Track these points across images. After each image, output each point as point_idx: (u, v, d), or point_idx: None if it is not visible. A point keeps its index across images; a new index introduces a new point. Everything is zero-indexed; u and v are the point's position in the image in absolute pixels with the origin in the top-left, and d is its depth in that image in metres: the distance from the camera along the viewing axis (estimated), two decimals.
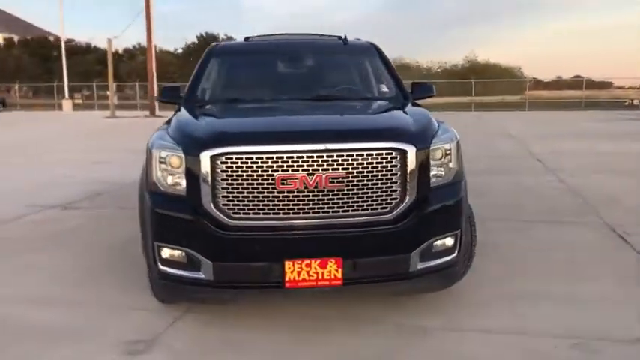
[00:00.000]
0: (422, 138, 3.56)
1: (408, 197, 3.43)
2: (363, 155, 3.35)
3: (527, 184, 8.75)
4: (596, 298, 4.12)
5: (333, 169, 3.32)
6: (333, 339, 3.53)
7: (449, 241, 3.65)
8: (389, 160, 3.39)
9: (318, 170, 3.31)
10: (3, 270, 4.92)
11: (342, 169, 3.33)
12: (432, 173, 3.56)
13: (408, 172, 3.42)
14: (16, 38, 69.54)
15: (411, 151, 3.43)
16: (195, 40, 61.83)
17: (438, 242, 3.60)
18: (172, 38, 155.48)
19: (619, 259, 4.99)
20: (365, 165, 3.35)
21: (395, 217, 3.42)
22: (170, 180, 3.50)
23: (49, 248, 5.48)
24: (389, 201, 3.42)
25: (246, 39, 5.45)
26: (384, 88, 4.98)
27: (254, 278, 3.40)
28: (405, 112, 4.10)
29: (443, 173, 3.63)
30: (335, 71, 5.38)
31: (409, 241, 3.47)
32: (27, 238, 5.89)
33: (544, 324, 3.69)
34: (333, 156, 3.32)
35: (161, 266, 3.55)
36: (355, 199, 3.37)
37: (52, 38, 65.13)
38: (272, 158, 3.30)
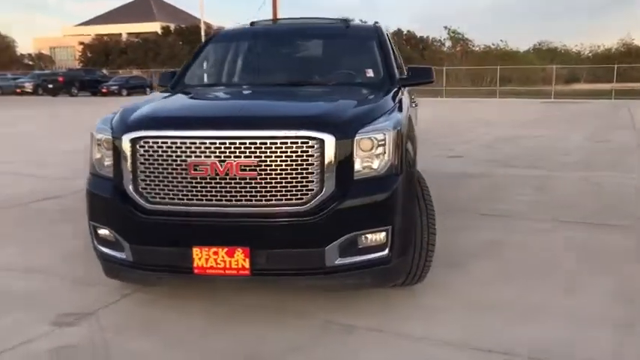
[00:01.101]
0: (345, 127, 3.35)
1: (325, 189, 3.26)
2: (276, 143, 3.23)
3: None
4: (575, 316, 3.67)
5: (245, 157, 3.23)
6: (254, 330, 3.46)
7: (378, 238, 3.42)
8: (304, 149, 3.23)
9: (230, 157, 3.24)
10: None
11: (255, 157, 3.23)
12: (356, 165, 3.35)
13: (326, 162, 3.24)
14: (172, 27, 74.74)
15: (330, 141, 3.24)
16: None
17: (365, 238, 3.39)
18: None
19: None
20: (278, 154, 3.23)
21: (310, 210, 3.26)
22: (103, 162, 3.61)
23: None
24: (304, 192, 3.26)
25: (252, 23, 5.43)
26: (370, 74, 4.73)
27: (167, 262, 3.43)
28: (366, 100, 3.89)
29: (373, 165, 3.39)
30: (325, 56, 5.22)
31: (324, 235, 3.29)
32: None
33: (484, 339, 3.35)
34: (245, 143, 3.24)
35: (97, 245, 3.69)
36: (268, 189, 3.26)
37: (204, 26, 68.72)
38: (185, 143, 3.29)
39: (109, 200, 3.52)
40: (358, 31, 5.18)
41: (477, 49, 52.29)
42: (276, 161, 3.23)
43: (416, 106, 7.00)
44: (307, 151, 3.23)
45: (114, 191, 3.50)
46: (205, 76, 5.01)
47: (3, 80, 42.86)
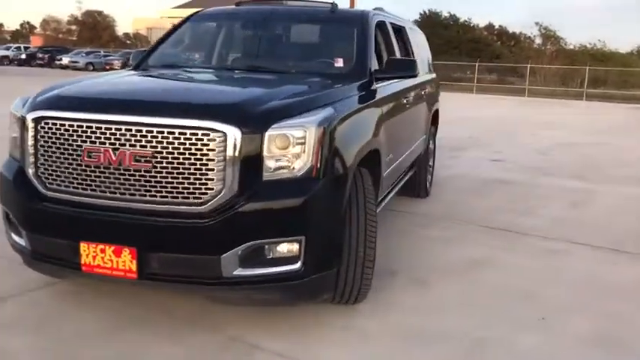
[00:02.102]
0: (255, 120, 2.92)
1: (225, 189, 2.85)
2: (173, 133, 2.85)
3: None
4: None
5: (140, 146, 2.88)
6: (143, 340, 3.12)
7: (289, 249, 2.98)
8: (205, 142, 2.84)
9: (125, 145, 2.90)
10: None
11: (150, 147, 2.88)
12: (267, 164, 2.92)
13: (229, 159, 2.84)
14: None
15: (234, 135, 2.83)
16: (418, 18, 61.14)
17: (272, 248, 2.96)
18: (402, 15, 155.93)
19: None
20: (175, 145, 2.85)
21: (207, 211, 2.87)
22: (15, 142, 3.36)
23: None
24: (203, 190, 2.87)
25: (237, 4, 5.05)
26: (340, 64, 4.23)
27: (59, 255, 3.14)
28: (307, 91, 3.44)
29: (288, 165, 2.95)
30: (299, 43, 4.77)
31: (221, 241, 2.89)
32: None
33: None
34: (141, 131, 2.89)
35: (7, 230, 3.46)
36: (163, 184, 2.89)
37: None
38: (82, 127, 2.98)
39: (10, 183, 3.28)
40: (342, 17, 4.68)
41: (572, 47, 49.47)
42: (173, 154, 2.86)
43: (431, 102, 6.41)
44: (208, 145, 2.84)
45: (16, 174, 3.25)
46: (174, 56, 4.67)
47: (95, 57, 44.78)
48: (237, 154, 2.84)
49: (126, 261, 2.93)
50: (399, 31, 5.67)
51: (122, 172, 2.92)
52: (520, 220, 5.82)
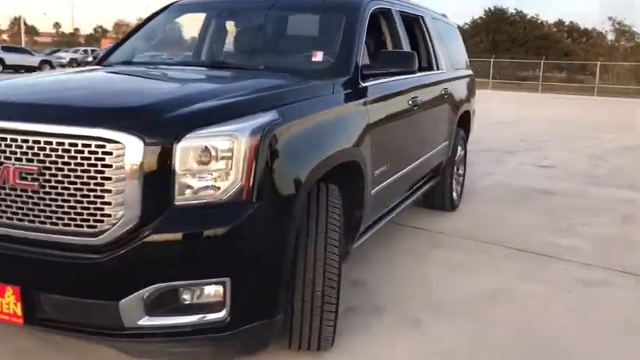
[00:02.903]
0: (163, 127, 2.29)
1: (126, 216, 2.24)
2: (63, 144, 2.27)
3: None
4: None
5: (27, 160, 2.31)
6: None
7: (210, 292, 2.34)
8: (99, 155, 2.24)
9: (11, 159, 2.34)
10: None
11: (38, 161, 2.30)
12: (181, 184, 2.28)
13: (129, 177, 2.22)
14: None
15: (134, 146, 2.22)
16: (483, 15, 59.09)
17: (188, 291, 2.33)
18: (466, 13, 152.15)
19: None
20: (66, 159, 2.27)
21: (103, 244, 2.26)
22: None
23: None
24: (98, 217, 2.27)
25: None
26: (318, 58, 3.54)
27: None
28: (255, 91, 2.79)
29: (210, 185, 2.31)
30: (278, 34, 4.10)
31: (120, 283, 2.28)
32: None
33: None
34: (27, 141, 2.32)
35: None
36: (53, 208, 2.31)
37: None
38: None
39: None
40: (329, 5, 3.99)
41: None
42: (63, 170, 2.27)
43: (458, 102, 5.62)
44: (103, 159, 2.23)
45: None
46: (137, 52, 4.09)
47: None
48: (140, 171, 2.22)
49: (10, 302, 2.37)
50: (415, 21, 4.94)
51: (8, 191, 2.35)
52: (557, 240, 4.97)
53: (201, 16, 4.27)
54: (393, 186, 3.88)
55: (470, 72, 6.60)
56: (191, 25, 4.23)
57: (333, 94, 3.08)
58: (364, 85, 3.41)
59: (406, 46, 4.28)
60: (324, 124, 2.88)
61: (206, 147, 2.29)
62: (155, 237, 2.24)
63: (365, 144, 3.25)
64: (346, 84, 3.27)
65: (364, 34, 3.60)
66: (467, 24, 61.47)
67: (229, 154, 2.30)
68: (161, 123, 2.30)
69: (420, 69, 5.01)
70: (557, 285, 3.96)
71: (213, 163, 2.30)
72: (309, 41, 3.88)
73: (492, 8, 57.34)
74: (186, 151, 2.27)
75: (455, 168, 5.81)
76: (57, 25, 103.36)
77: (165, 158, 2.25)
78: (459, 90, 5.80)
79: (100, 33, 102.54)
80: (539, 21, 55.96)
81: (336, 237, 2.74)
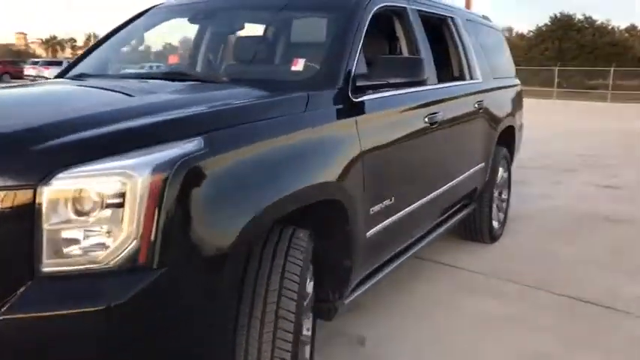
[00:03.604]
0: (24, 164, 1.67)
1: None
2: None
3: None
4: None
5: None
6: None
7: None
8: None
9: None
10: None
11: None
12: (48, 242, 1.64)
13: None
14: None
15: None
16: (548, 22, 56.81)
17: None
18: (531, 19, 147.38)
19: None
20: None
21: None
22: None
23: None
24: None
25: None
26: (299, 66, 2.84)
27: None
28: (171, 112, 2.07)
29: (92, 244, 1.66)
30: (258, 39, 3.41)
31: None
32: None
33: None
34: None
35: None
36: None
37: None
38: None
39: None
40: (323, 3, 3.28)
41: None
42: None
43: (498, 117, 4.80)
44: None
45: None
46: (99, 62, 3.49)
47: None
48: None
49: None
50: (442, 23, 4.19)
51: None
52: (621, 285, 4.07)
53: (177, 21, 3.64)
54: (402, 223, 3.14)
55: (516, 81, 5.74)
56: (170, 31, 3.62)
57: (305, 113, 2.38)
58: (357, 99, 2.70)
59: (425, 53, 3.53)
60: (284, 153, 2.18)
61: (85, 191, 1.63)
62: (10, 320, 1.59)
63: (353, 176, 2.54)
64: (330, 98, 2.57)
65: (361, 38, 2.89)
66: (531, 32, 59.46)
67: (120, 200, 1.64)
68: (22, 158, 1.66)
69: (452, 78, 4.28)
70: (617, 355, 3.10)
71: (97, 213, 1.64)
72: (291, 47, 3.20)
73: (558, 15, 55.17)
74: (56, 197, 1.62)
75: (495, 193, 4.98)
76: None
77: (27, 208, 1.61)
78: (500, 102, 4.98)
79: (168, 49, 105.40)
80: (609, 27, 53.43)
81: (291, 307, 2.03)
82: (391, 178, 2.95)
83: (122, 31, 3.54)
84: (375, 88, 2.83)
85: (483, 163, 4.56)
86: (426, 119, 3.34)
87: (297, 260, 2.14)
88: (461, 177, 4.06)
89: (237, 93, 2.48)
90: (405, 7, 3.50)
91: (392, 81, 2.76)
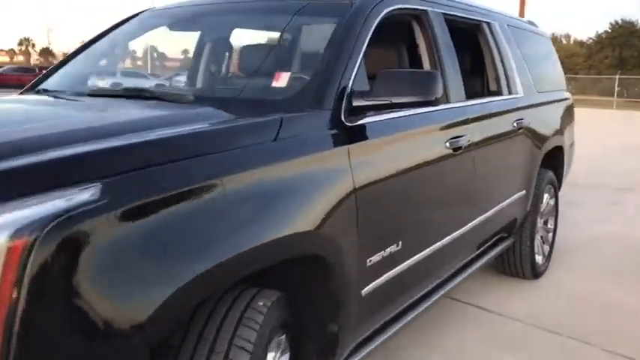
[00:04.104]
0: None
1: None
2: None
3: None
4: None
5: None
6: None
7: None
8: None
9: None
10: None
11: None
12: None
13: None
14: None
15: None
16: (608, 29, 54.60)
17: None
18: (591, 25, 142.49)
19: None
20: None
21: None
22: None
23: None
24: None
25: None
26: (282, 82, 2.33)
27: None
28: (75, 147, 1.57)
29: None
30: (246, 50, 2.93)
31: None
32: None
33: None
34: None
35: None
36: None
37: None
38: None
39: None
40: (321, 7, 2.74)
41: None
42: None
43: (543, 137, 4.18)
44: None
45: None
46: (74, 74, 3.04)
47: None
48: None
49: None
50: (475, 29, 3.63)
51: None
52: None
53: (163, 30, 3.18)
54: (413, 272, 2.59)
55: (566, 95, 5.08)
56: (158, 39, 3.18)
57: (275, 142, 1.87)
58: (352, 123, 2.18)
59: (449, 64, 2.98)
60: (235, 198, 1.67)
61: None
62: None
63: (342, 220, 2.02)
64: (315, 122, 2.07)
65: (362, 49, 2.36)
66: (591, 39, 57.35)
67: None
68: None
69: (488, 93, 3.71)
70: None
71: None
72: (277, 59, 2.69)
73: (619, 21, 53.03)
74: None
75: (539, 222, 4.35)
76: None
77: None
78: (546, 119, 4.35)
79: None
80: None
81: None
82: (397, 218, 2.41)
83: (103, 40, 3.11)
84: (379, 109, 2.29)
85: (524, 191, 3.94)
86: (447, 144, 2.77)
87: (252, 333, 1.64)
88: (495, 209, 3.47)
89: (190, 117, 1.99)
90: (425, 10, 2.96)
91: (396, 100, 2.22)
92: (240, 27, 3.00)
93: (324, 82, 2.19)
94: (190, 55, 3.09)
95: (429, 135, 2.67)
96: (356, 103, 2.23)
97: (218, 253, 1.53)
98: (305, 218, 1.86)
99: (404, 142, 2.46)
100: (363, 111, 2.26)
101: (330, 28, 2.47)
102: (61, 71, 2.94)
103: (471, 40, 3.82)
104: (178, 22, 3.02)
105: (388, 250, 2.33)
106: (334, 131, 2.10)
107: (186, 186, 1.51)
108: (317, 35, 2.62)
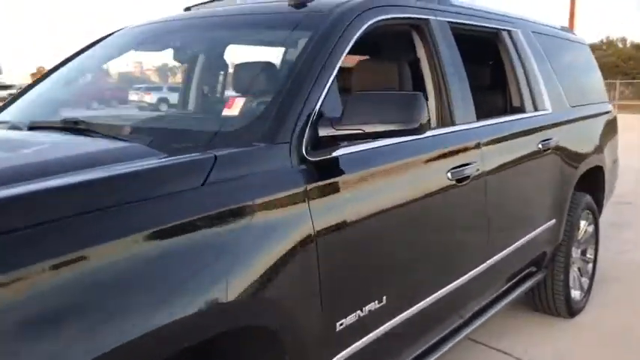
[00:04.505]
0: None
1: None
2: None
3: None
4: None
5: None
6: None
7: None
8: None
9: None
10: None
11: None
12: None
13: None
14: None
15: None
16: None
17: None
18: None
19: None
20: None
21: None
22: None
23: None
24: None
25: (187, 9, 3.03)
26: (232, 110, 1.97)
27: None
28: None
29: None
30: (212, 72, 2.57)
31: None
32: None
33: None
34: None
35: None
36: None
37: None
38: None
39: None
40: (296, 19, 2.35)
41: None
42: None
43: (578, 156, 3.71)
44: None
45: None
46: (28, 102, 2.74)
47: None
48: None
49: None
50: (494, 38, 3.21)
51: None
52: None
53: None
54: (406, 329, 2.18)
55: (607, 107, 4.56)
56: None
57: (203, 188, 1.51)
58: (316, 157, 1.80)
59: (457, 80, 2.59)
60: (148, 261, 1.33)
61: None
62: None
63: (300, 279, 1.66)
64: (265, 158, 1.70)
65: (335, 67, 1.99)
66: None
67: None
68: None
69: (511, 110, 3.29)
70: None
71: None
72: (237, 81, 2.33)
73: None
74: None
75: (575, 253, 3.86)
76: None
77: None
78: (581, 136, 3.87)
79: None
80: None
81: None
82: (377, 270, 2.02)
83: (72, 62, 2.81)
84: (354, 139, 1.91)
85: (554, 220, 3.47)
86: (449, 175, 2.36)
87: None
88: (516, 244, 3.02)
89: (107, 156, 1.65)
90: (426, 20, 2.56)
91: (370, 129, 1.83)
92: (202, 46, 2.65)
93: (283, 108, 1.83)
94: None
95: (420, 167, 2.26)
96: (325, 132, 1.85)
97: (120, 333, 1.21)
98: (241, 283, 1.50)
99: (385, 178, 2.06)
100: (334, 142, 1.88)
101: (295, 45, 2.11)
102: (19, 101, 2.66)
103: (492, 51, 3.40)
104: (144, 42, 2.69)
105: (367, 308, 1.94)
106: (291, 168, 1.73)
107: (75, 250, 1.19)
108: (286, 52, 2.26)
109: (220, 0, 2.84)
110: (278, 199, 1.64)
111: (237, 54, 2.52)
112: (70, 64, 2.76)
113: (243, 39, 2.53)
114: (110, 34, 2.88)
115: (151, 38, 2.64)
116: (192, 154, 1.58)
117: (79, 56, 2.78)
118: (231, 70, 2.58)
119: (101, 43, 2.80)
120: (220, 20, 2.51)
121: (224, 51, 2.62)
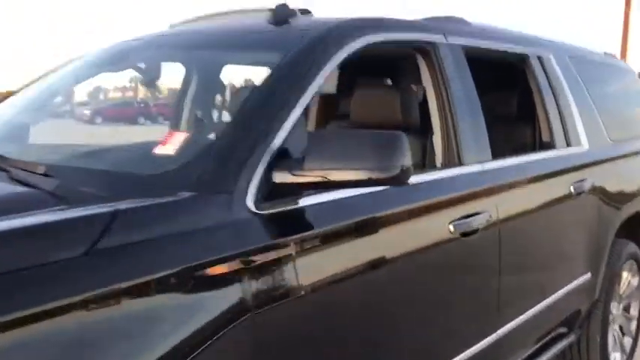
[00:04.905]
0: None
1: None
2: None
3: None
4: None
5: None
6: None
7: None
8: None
9: None
10: None
11: None
12: None
13: None
14: None
15: None
16: None
17: None
18: None
19: None
20: None
21: None
22: None
23: None
24: None
25: (171, 26, 2.73)
26: (167, 150, 1.60)
27: None
28: None
29: None
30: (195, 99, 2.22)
31: None
32: None
33: None
34: None
35: None
36: None
37: None
38: None
39: None
40: (271, 40, 2.01)
41: None
42: None
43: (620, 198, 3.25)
44: None
45: None
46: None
47: None
48: None
49: None
50: (520, 64, 2.81)
51: None
52: None
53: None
54: None
55: None
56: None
57: (85, 258, 1.15)
58: (266, 210, 1.43)
59: (467, 114, 2.20)
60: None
61: None
62: None
63: None
64: (191, 213, 1.34)
65: (305, 97, 1.63)
66: None
67: None
68: None
69: (541, 145, 2.88)
70: None
71: None
72: (189, 113, 1.99)
73: None
74: None
75: (616, 309, 3.37)
76: None
77: None
78: (625, 176, 3.40)
79: None
80: None
81: None
82: (343, 345, 1.63)
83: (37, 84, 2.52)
84: (317, 187, 1.54)
85: (589, 273, 3.00)
86: (451, 227, 1.96)
87: None
88: (539, 305, 2.57)
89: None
90: (432, 43, 2.19)
91: (335, 177, 1.45)
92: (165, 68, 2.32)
93: (227, 146, 1.48)
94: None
95: (411, 220, 1.87)
96: (283, 178, 1.49)
97: None
98: None
99: (359, 237, 1.67)
100: (299, 190, 1.52)
101: (271, 66, 1.76)
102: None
103: (520, 78, 3.00)
104: (108, 62, 2.39)
105: None
106: (228, 226, 1.37)
107: None
108: (251, 77, 1.92)
109: (207, 17, 2.51)
110: (198, 273, 1.27)
111: (207, 78, 2.19)
112: (27, 89, 2.48)
113: (211, 60, 2.20)
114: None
115: (117, 58, 2.34)
116: (86, 208, 1.23)
117: (38, 81, 2.50)
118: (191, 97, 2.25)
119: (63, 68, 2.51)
120: (190, 39, 2.19)
121: (191, 75, 2.29)
